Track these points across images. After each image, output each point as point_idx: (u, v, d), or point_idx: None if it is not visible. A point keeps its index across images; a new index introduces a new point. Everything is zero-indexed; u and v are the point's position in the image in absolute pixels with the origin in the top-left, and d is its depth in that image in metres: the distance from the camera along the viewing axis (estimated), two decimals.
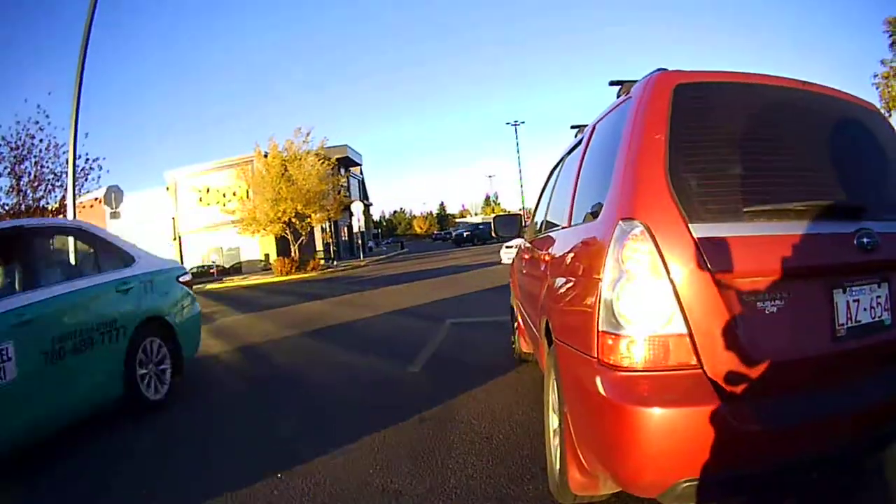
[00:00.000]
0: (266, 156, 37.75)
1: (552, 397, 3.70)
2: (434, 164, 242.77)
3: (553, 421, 3.67)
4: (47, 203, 20.15)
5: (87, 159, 20.19)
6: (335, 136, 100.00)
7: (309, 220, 37.73)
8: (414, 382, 7.16)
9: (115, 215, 19.15)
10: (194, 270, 49.01)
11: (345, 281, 27.12)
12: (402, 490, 4.03)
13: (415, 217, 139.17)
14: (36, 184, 19.77)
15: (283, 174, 36.24)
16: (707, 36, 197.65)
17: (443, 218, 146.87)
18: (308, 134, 37.77)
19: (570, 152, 4.66)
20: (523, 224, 6.78)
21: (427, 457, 4.59)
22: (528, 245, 5.75)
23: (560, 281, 3.51)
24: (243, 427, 5.97)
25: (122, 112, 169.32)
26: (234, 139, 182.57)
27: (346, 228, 59.28)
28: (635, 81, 3.20)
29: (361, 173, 77.60)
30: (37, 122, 19.53)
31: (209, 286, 35.39)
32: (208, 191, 49.75)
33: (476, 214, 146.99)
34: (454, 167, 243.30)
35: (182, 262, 51.36)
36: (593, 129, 3.86)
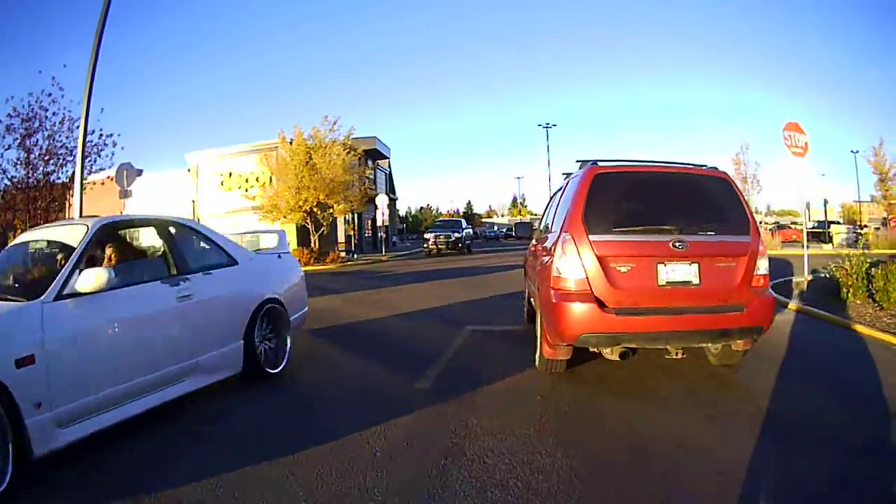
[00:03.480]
0: (291, 142, 37.27)
1: (538, 318, 7.36)
2: (463, 163, 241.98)
3: (538, 328, 7.37)
4: (58, 178, 19.97)
5: (102, 135, 19.88)
6: (365, 128, 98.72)
7: (331, 210, 37.12)
8: (422, 403, 6.48)
9: (126, 194, 18.64)
10: None
11: (363, 276, 26.55)
12: None
13: (441, 215, 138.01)
14: (47, 157, 19.56)
15: (307, 162, 35.78)
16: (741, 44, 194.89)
17: (469, 217, 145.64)
18: (335, 122, 37.17)
19: (559, 190, 8.59)
20: (532, 229, 11.38)
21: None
22: (534, 241, 9.59)
23: (545, 258, 7.17)
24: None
25: (146, 91, 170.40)
26: (259, 125, 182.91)
27: (370, 221, 58.46)
28: (589, 161, 7.11)
29: (389, 167, 76.79)
30: (49, 95, 19.34)
31: None
32: (230, 175, 49.21)
33: (502, 216, 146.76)
34: (483, 167, 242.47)
35: None
36: (567, 182, 7.74)
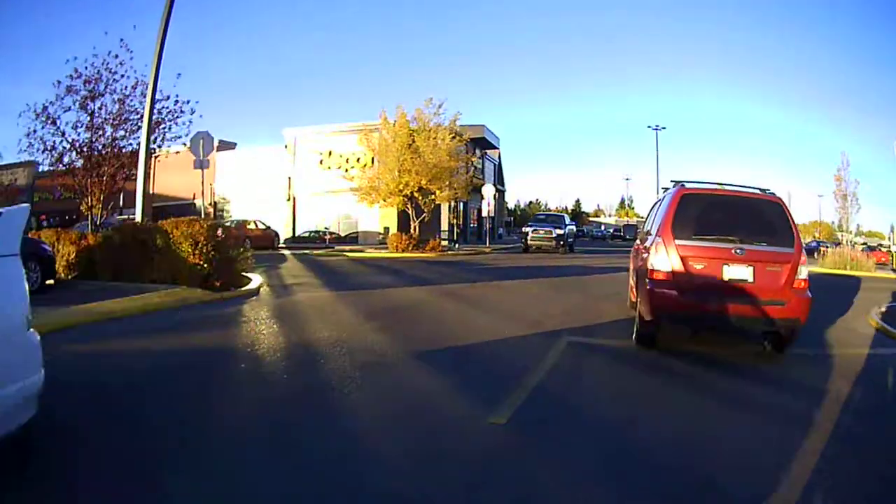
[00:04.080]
0: (393, 124, 35.21)
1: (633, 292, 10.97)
2: (574, 161, 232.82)
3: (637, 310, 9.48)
4: (129, 144, 18.61)
5: (178, 101, 18.57)
6: (474, 117, 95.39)
7: (433, 196, 34.93)
8: (490, 452, 4.71)
9: (202, 164, 17.28)
10: (306, 234, 47.93)
11: (461, 267, 24.38)
12: None
13: (549, 210, 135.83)
14: (116, 122, 18.26)
15: (409, 145, 33.72)
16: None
17: (577, 214, 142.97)
18: (440, 106, 34.75)
19: (657, 202, 10.94)
20: (637, 231, 15.49)
21: None
22: (638, 241, 11.75)
23: (644, 255, 9.31)
24: None
25: (243, 62, 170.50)
26: (360, 104, 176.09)
27: (475, 211, 56.42)
28: (679, 182, 9.51)
29: (499, 158, 75.00)
30: (117, 57, 17.99)
31: (316, 252, 33.69)
32: (330, 154, 48.09)
33: (610, 216, 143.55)
34: (593, 166, 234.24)
35: (295, 224, 51.07)
36: (663, 196, 10.00)
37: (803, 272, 8.27)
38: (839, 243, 57.57)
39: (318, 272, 21.08)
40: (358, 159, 44.14)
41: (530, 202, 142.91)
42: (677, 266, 8.29)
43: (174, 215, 15.56)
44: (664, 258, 8.37)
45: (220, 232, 14.49)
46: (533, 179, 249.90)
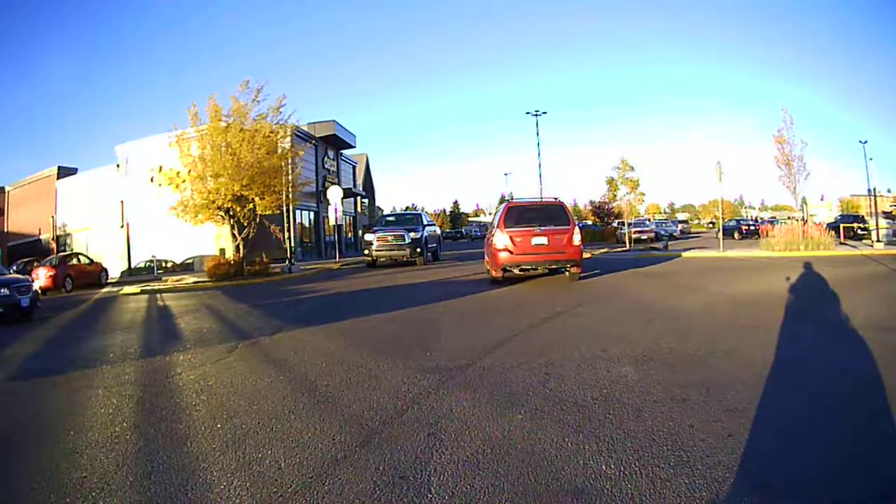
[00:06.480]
0: (205, 121, 26.91)
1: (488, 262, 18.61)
2: (450, 163, 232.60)
3: (490, 268, 17.91)
4: None
5: None
6: (329, 114, 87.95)
7: (251, 205, 26.36)
8: None
9: None
10: (141, 265, 39.39)
11: (268, 299, 17.16)
12: None
13: (429, 215, 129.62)
14: None
15: (225, 145, 25.70)
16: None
17: (456, 216, 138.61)
18: (259, 90, 26.44)
19: (497, 210, 19.55)
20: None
21: None
22: (488, 233, 19.13)
23: (491, 238, 17.47)
24: None
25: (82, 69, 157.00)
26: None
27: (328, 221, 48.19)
28: (506, 199, 26.22)
29: (367, 162, 68.73)
30: None
31: (131, 289, 24.68)
32: (160, 169, 38.51)
33: (490, 214, 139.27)
34: (470, 166, 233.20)
35: (129, 254, 42.18)
36: (498, 207, 19.45)
37: (576, 238, 16.19)
38: (756, 221, 51.94)
39: (55, 334, 13.55)
40: (190, 171, 34.65)
41: (406, 207, 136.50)
42: (508, 241, 15.90)
43: (25, 254, 8.63)
44: (501, 238, 15.99)
45: None
46: (409, 184, 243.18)
